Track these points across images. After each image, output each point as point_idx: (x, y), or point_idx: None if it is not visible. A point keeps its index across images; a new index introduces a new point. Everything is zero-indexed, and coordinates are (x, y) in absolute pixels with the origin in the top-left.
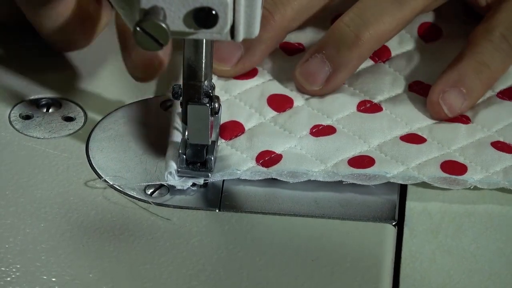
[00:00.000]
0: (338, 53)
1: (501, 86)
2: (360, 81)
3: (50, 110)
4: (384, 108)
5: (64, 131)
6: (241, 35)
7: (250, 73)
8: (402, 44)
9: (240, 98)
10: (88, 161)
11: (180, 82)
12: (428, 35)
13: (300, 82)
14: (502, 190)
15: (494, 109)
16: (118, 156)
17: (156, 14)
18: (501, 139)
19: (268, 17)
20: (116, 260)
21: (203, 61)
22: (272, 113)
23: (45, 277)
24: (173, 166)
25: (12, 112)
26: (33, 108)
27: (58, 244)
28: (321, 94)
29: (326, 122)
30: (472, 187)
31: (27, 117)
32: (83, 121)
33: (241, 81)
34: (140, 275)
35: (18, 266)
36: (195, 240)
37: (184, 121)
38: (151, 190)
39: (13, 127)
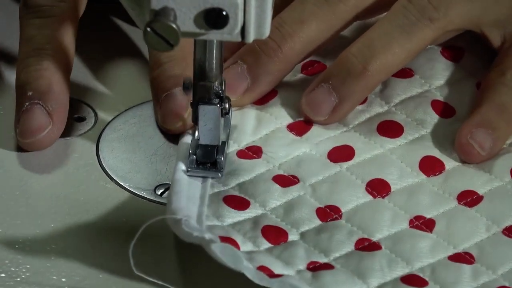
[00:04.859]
0: (344, 84)
1: (507, 222)
2: (358, 217)
3: None
4: (383, 247)
5: (75, 131)
6: (251, 36)
7: (242, 205)
8: (402, 179)
9: (233, 226)
10: (98, 161)
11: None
12: (429, 169)
13: (306, 112)
14: None
15: (500, 249)
16: (128, 156)
17: (167, 15)
18: (507, 284)
19: (276, 49)
20: (126, 260)
21: (214, 62)
22: (266, 244)
23: (55, 278)
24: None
25: None
26: None
27: (68, 245)
28: (327, 124)
29: (323, 260)
30: None
31: None
32: (93, 121)
33: (233, 210)
34: (150, 276)
35: (28, 266)
36: None
37: (195, 121)
38: (161, 191)
39: None
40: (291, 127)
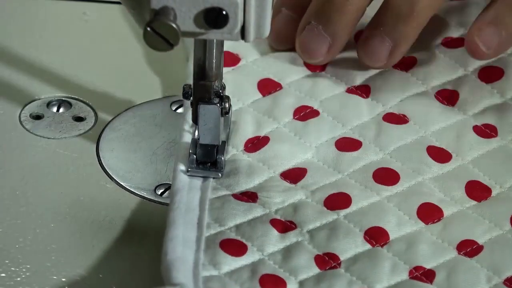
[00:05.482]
0: (395, 29)
1: (508, 272)
2: (357, 266)
3: (61, 110)
4: None
5: (75, 131)
6: (251, 36)
7: (239, 250)
8: (401, 227)
9: (230, 275)
10: (98, 161)
11: (190, 82)
12: (427, 216)
13: (364, 61)
14: None
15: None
16: (128, 156)
17: (167, 15)
18: None
19: (344, 2)
20: (126, 260)
21: (214, 61)
22: None
23: (55, 277)
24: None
25: (22, 112)
26: (44, 108)
27: (68, 244)
28: (385, 68)
29: None
30: None
31: (38, 117)
32: (93, 121)
33: (230, 257)
34: (150, 276)
35: (28, 266)
36: None
37: (195, 121)
38: (161, 190)
39: (23, 127)
40: (284, 175)
